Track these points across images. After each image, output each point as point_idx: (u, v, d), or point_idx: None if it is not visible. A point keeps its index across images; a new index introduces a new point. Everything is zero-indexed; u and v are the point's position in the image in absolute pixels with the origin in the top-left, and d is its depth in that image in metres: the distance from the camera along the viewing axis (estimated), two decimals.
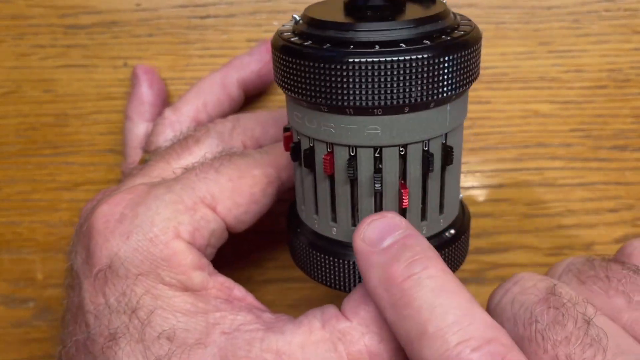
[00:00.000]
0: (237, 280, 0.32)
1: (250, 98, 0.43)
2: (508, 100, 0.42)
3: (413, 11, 0.28)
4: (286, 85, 0.28)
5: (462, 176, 0.42)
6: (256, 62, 0.41)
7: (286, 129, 0.32)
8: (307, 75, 0.26)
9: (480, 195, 0.43)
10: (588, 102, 0.42)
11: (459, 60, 0.26)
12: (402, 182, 0.29)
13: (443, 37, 0.26)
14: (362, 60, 0.25)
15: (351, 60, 0.25)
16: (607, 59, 0.41)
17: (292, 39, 0.27)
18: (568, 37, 0.41)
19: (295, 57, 0.26)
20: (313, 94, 0.26)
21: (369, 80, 0.25)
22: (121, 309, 0.29)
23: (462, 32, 0.27)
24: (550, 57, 0.42)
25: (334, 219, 0.30)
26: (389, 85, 0.25)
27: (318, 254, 0.31)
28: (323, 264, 0.31)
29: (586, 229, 0.43)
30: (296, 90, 0.27)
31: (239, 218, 0.33)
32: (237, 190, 0.33)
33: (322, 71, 0.26)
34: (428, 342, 0.24)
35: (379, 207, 0.29)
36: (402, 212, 0.29)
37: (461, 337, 0.23)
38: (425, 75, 0.25)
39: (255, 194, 0.33)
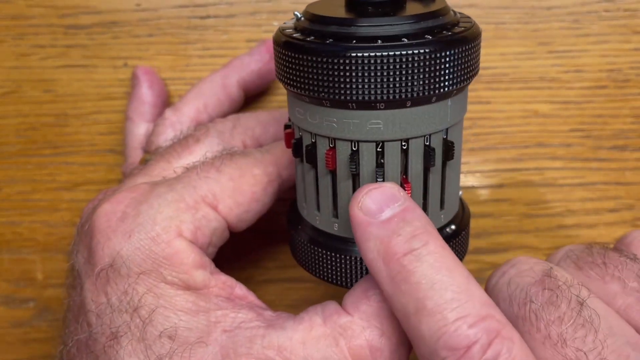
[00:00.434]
0: (237, 280, 0.32)
1: (250, 98, 0.43)
2: (508, 101, 0.42)
3: (413, 8, 0.28)
4: (289, 81, 0.28)
5: (462, 176, 0.42)
6: (256, 62, 0.41)
7: (287, 126, 0.32)
8: (310, 70, 0.26)
9: (480, 195, 0.43)
10: (588, 102, 0.42)
11: (460, 55, 0.27)
12: (404, 177, 0.29)
13: (444, 32, 0.27)
14: (364, 54, 0.25)
15: (354, 54, 0.25)
16: (607, 59, 0.42)
17: (295, 35, 0.28)
18: (568, 38, 0.41)
19: (299, 53, 0.27)
20: (316, 88, 0.27)
21: (372, 74, 0.25)
22: (123, 307, 0.29)
23: (462, 28, 0.28)
24: (550, 58, 0.42)
25: (336, 215, 0.30)
26: (391, 80, 0.26)
27: (320, 250, 0.31)
28: (325, 260, 0.31)
29: (586, 229, 0.43)
30: (299, 85, 0.27)
31: (240, 217, 0.33)
32: (238, 189, 0.33)
33: (325, 66, 0.26)
34: (426, 318, 0.24)
35: None
36: None
37: (459, 313, 0.24)
38: (427, 69, 0.26)
39: (257, 193, 0.33)
